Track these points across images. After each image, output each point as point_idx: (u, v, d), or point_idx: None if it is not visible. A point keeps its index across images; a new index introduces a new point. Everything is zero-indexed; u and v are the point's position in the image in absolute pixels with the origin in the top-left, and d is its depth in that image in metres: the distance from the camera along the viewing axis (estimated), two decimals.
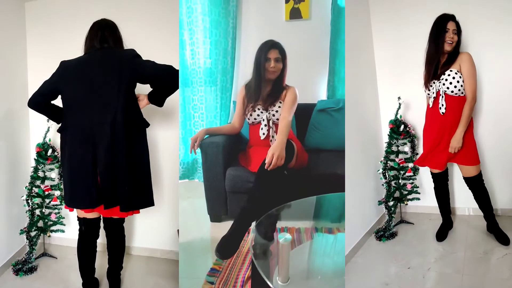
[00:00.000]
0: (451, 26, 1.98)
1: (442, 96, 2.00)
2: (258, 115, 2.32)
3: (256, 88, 2.29)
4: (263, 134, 2.30)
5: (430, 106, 2.12)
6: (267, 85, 2.32)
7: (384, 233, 2.31)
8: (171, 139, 2.24)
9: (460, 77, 1.97)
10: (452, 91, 1.99)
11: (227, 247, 1.75)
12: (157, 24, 2.17)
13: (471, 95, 1.97)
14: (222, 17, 2.98)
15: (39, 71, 2.20)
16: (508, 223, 2.23)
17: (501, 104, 2.33)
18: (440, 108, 2.02)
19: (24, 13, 2.29)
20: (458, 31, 2.00)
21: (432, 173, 2.26)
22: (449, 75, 1.99)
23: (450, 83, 1.98)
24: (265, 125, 2.30)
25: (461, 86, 1.98)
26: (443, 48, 2.00)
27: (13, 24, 2.23)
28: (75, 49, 1.72)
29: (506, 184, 2.40)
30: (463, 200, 2.49)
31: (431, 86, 2.05)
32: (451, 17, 2.00)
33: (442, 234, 2.25)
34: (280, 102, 2.30)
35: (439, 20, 2.02)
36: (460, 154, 2.04)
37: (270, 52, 2.22)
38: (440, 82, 2.02)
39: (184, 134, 3.29)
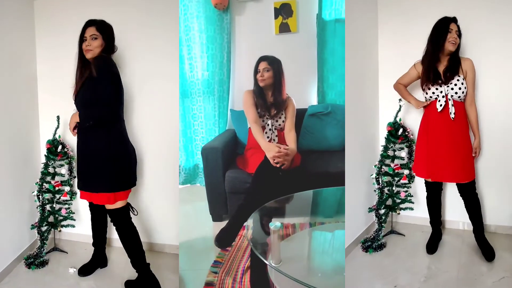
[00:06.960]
0: (453, 27, 1.97)
1: (451, 102, 1.98)
2: (263, 120, 2.57)
3: (260, 97, 2.56)
4: (268, 137, 2.54)
5: (439, 110, 2.00)
6: (267, 92, 2.58)
7: (372, 244, 2.16)
8: (171, 144, 2.27)
9: (462, 83, 1.98)
10: (460, 97, 1.99)
11: (224, 238, 2.05)
12: (160, 41, 2.21)
13: (473, 100, 2.03)
14: (217, 33, 3.17)
15: (47, 66, 2.28)
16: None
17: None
18: (450, 113, 1.98)
19: (33, 11, 2.28)
20: (459, 34, 1.99)
21: (426, 182, 2.17)
22: (458, 80, 1.98)
23: (459, 88, 1.98)
24: (270, 129, 2.55)
25: (463, 92, 1.99)
26: (443, 50, 1.98)
27: (22, 21, 2.20)
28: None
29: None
30: (457, 213, 2.32)
31: (436, 89, 2.01)
32: (453, 19, 1.99)
33: (433, 246, 2.15)
34: (282, 113, 2.59)
35: (441, 22, 2.00)
36: (462, 170, 1.98)
37: (260, 65, 2.53)
38: (448, 87, 1.99)
39: (185, 142, 3.44)
